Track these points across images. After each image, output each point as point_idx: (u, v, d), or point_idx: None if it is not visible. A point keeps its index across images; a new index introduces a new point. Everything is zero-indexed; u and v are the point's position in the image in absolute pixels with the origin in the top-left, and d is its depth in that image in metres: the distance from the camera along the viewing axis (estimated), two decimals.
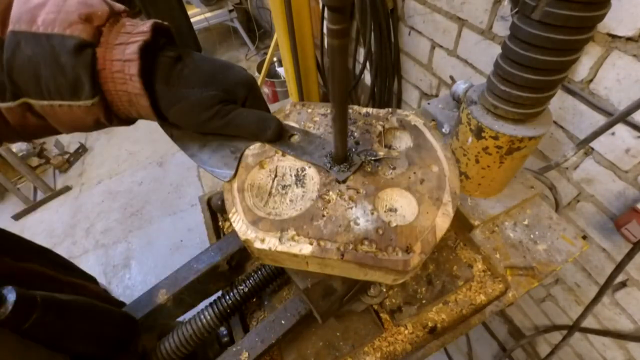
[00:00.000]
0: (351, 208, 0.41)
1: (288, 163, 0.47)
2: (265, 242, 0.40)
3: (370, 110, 0.52)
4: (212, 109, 0.42)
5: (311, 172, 0.46)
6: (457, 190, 0.43)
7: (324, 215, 0.41)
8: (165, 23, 0.41)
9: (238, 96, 0.44)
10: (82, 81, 0.35)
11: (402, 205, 0.43)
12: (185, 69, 0.41)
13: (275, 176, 0.46)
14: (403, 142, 0.50)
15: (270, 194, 0.44)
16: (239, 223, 0.42)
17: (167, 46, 0.41)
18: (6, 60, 0.34)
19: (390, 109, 0.52)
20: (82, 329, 0.49)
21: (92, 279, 0.83)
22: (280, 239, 0.40)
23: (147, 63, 0.38)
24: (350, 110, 0.52)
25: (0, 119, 0.37)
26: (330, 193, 0.43)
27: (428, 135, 0.49)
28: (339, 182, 0.44)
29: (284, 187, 0.45)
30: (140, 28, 0.38)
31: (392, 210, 0.42)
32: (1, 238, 0.62)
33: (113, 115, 0.40)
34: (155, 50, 0.39)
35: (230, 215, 0.43)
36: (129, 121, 0.44)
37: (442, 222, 0.40)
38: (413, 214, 0.41)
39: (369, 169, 0.45)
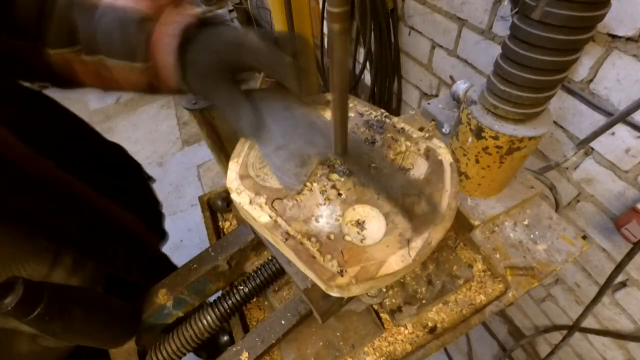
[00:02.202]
0: (321, 205, 0.42)
1: None
2: (240, 196, 0.43)
3: (406, 127, 0.51)
4: (208, 77, 0.45)
5: (314, 158, 0.47)
6: (433, 242, 0.40)
7: (295, 200, 0.43)
8: (208, 15, 0.47)
9: (228, 54, 0.45)
10: (140, 47, 0.42)
11: (370, 227, 0.41)
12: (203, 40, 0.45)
13: None
14: (418, 171, 0.48)
15: None
16: (232, 172, 0.45)
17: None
18: (94, 25, 0.42)
19: (427, 134, 0.50)
20: (85, 322, 0.50)
21: (143, 211, 0.84)
22: (251, 200, 0.42)
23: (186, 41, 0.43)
24: (387, 120, 0.52)
25: (84, 69, 0.46)
26: (315, 184, 0.44)
27: (447, 175, 0.46)
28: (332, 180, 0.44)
29: None
30: (191, 12, 0.45)
31: (359, 226, 0.41)
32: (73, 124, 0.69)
33: (162, 82, 0.45)
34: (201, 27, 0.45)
35: (230, 162, 0.46)
36: (178, 90, 0.47)
37: (395, 263, 0.38)
38: (373, 240, 0.40)
39: (363, 179, 0.45)
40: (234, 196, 0.43)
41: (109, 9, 0.42)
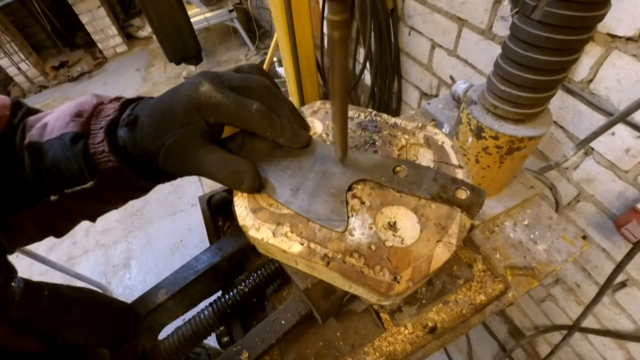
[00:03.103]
0: (350, 218, 0.40)
1: None
2: (260, 231, 0.40)
3: (398, 121, 0.50)
4: (180, 154, 0.40)
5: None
6: (467, 224, 0.40)
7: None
8: (129, 98, 0.44)
9: (194, 120, 0.39)
10: (82, 168, 0.40)
11: (403, 226, 0.40)
12: (144, 126, 0.41)
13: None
14: (425, 160, 0.47)
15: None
16: (240, 207, 0.42)
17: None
18: (46, 165, 0.41)
19: (420, 124, 0.50)
20: (84, 322, 0.50)
21: None
22: (274, 233, 0.39)
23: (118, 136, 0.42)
24: (378, 118, 0.51)
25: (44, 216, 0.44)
26: None
27: (453, 158, 0.46)
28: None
29: None
30: (106, 112, 0.42)
31: (392, 229, 0.40)
32: None
33: (121, 189, 0.44)
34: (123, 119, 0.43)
35: (235, 199, 0.43)
36: (142, 189, 0.47)
37: (442, 253, 0.37)
38: (412, 238, 0.39)
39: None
40: (252, 233, 0.39)
41: (49, 145, 0.40)
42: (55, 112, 0.43)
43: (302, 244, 0.38)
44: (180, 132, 0.39)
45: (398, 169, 0.43)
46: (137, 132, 0.41)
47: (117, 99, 0.45)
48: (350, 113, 0.52)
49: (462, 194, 0.40)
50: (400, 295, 0.37)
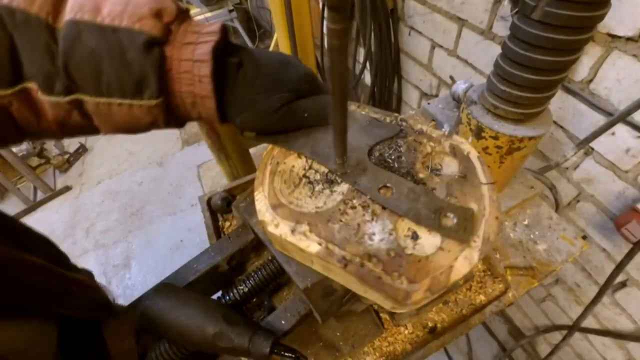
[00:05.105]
0: (370, 222, 0.40)
1: None
2: (279, 228, 0.40)
3: (425, 128, 0.50)
4: (280, 112, 0.42)
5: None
6: (491, 236, 0.38)
7: (341, 221, 0.40)
8: (227, 25, 0.41)
9: (302, 92, 0.44)
10: (149, 80, 0.33)
11: (424, 235, 0.39)
12: (248, 74, 0.40)
13: (310, 168, 0.46)
14: (449, 169, 0.47)
15: (298, 184, 0.44)
16: (261, 202, 0.42)
17: (229, 49, 0.40)
18: (64, 52, 0.31)
19: (446, 132, 0.50)
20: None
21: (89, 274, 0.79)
22: (292, 230, 0.39)
23: (216, 65, 0.36)
24: (403, 123, 0.51)
25: (35, 113, 0.34)
26: (355, 201, 0.42)
27: (478, 170, 0.46)
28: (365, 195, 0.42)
29: (313, 181, 0.45)
30: (210, 28, 0.37)
31: (413, 237, 0.39)
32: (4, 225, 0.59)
33: (172, 116, 0.39)
34: (221, 52, 0.38)
35: (255, 193, 0.43)
36: (183, 123, 0.43)
37: (462, 266, 0.37)
38: (433, 247, 0.38)
39: None
40: (270, 229, 0.39)
41: (87, 30, 0.31)
42: None
43: (320, 244, 0.38)
44: (287, 95, 0.42)
45: (382, 190, 0.42)
46: (240, 79, 0.39)
47: (186, 11, 0.38)
48: (377, 115, 0.52)
49: (448, 222, 0.39)
50: (416, 305, 0.36)
